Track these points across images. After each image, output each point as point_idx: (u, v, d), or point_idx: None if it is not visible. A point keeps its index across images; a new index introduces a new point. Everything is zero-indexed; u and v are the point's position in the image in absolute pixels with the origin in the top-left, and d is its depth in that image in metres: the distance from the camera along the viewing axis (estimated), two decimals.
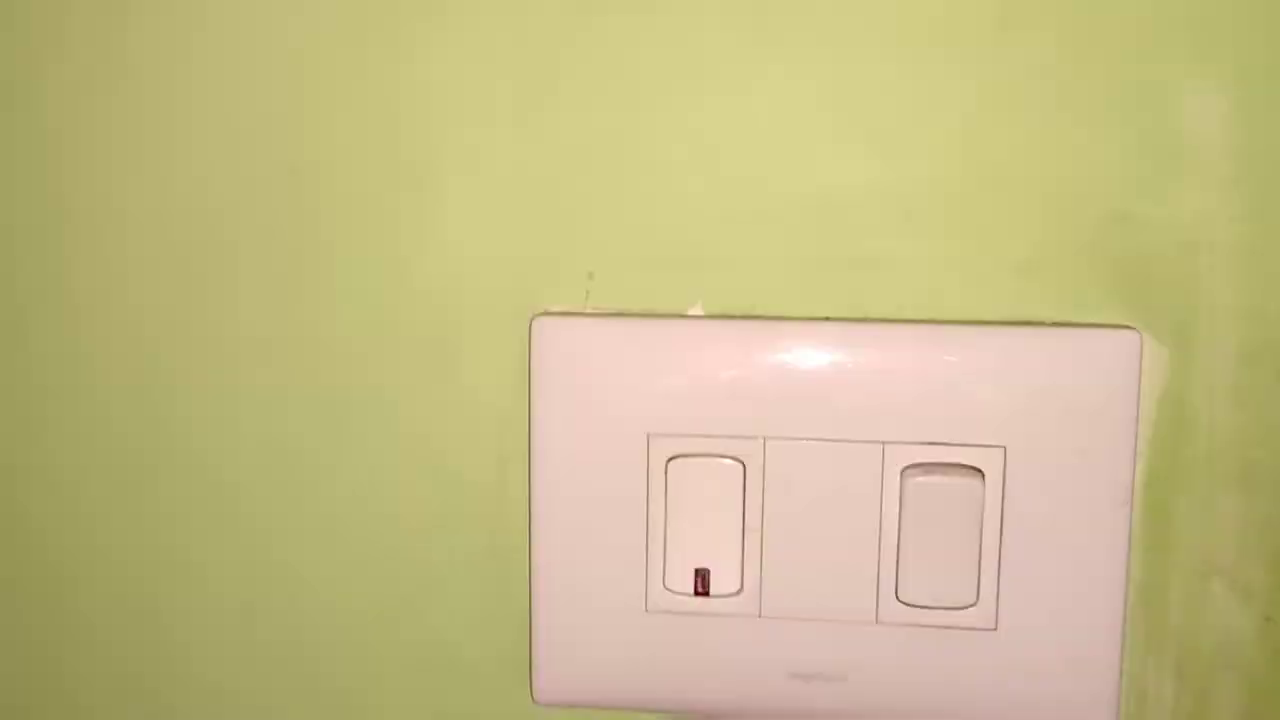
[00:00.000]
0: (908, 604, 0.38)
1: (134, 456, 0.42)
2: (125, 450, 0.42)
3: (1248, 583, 0.38)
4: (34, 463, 0.42)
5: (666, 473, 0.39)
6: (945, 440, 0.37)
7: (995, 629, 0.38)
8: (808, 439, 0.38)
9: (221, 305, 0.41)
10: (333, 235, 0.40)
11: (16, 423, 0.42)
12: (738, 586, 0.39)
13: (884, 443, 0.38)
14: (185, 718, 0.43)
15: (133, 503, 0.42)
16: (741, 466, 0.38)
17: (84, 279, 0.41)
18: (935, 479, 0.37)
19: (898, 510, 0.38)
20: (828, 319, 0.38)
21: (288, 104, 0.39)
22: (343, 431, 0.41)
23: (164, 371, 0.41)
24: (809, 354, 0.38)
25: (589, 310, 0.39)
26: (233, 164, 0.40)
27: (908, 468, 0.38)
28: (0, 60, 0.40)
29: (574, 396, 0.39)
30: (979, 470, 0.37)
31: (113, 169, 0.40)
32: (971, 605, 0.38)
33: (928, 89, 0.37)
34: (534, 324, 0.39)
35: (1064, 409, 0.37)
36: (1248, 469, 0.37)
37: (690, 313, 0.39)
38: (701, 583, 0.39)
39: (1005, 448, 0.37)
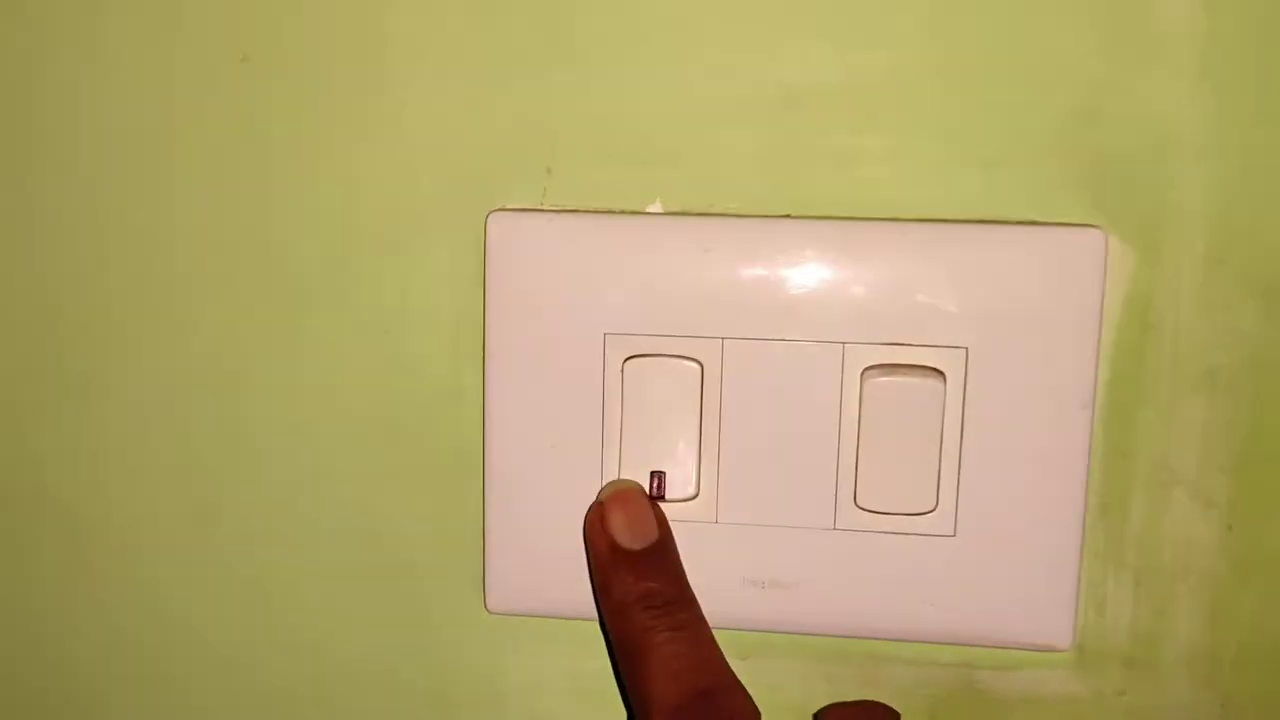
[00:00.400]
0: (866, 509, 0.38)
1: (92, 349, 0.41)
2: (85, 349, 0.41)
3: (1210, 491, 0.38)
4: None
5: (623, 373, 0.38)
6: (906, 341, 0.37)
7: (954, 535, 0.38)
8: (767, 339, 0.37)
9: (177, 204, 0.40)
10: (286, 132, 0.39)
11: None
12: (694, 490, 0.38)
13: (844, 343, 0.37)
14: (138, 631, 0.43)
15: (88, 403, 0.41)
16: (699, 367, 0.38)
17: (51, 185, 0.40)
18: (896, 379, 0.37)
19: (857, 413, 0.37)
20: (788, 216, 0.37)
21: None
22: (298, 330, 0.40)
23: (117, 266, 0.40)
24: (769, 252, 0.37)
25: (546, 207, 0.38)
26: (184, 57, 0.39)
27: (868, 368, 0.37)
28: None
29: (530, 295, 0.38)
30: (940, 372, 0.37)
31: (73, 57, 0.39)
32: (930, 511, 0.38)
33: None
34: (490, 220, 0.38)
35: (1027, 310, 0.36)
36: (1212, 374, 0.37)
37: (649, 210, 0.38)
38: (658, 486, 0.38)
39: (967, 349, 0.37)
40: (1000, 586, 0.38)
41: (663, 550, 0.38)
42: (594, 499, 0.39)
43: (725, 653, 0.40)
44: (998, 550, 0.38)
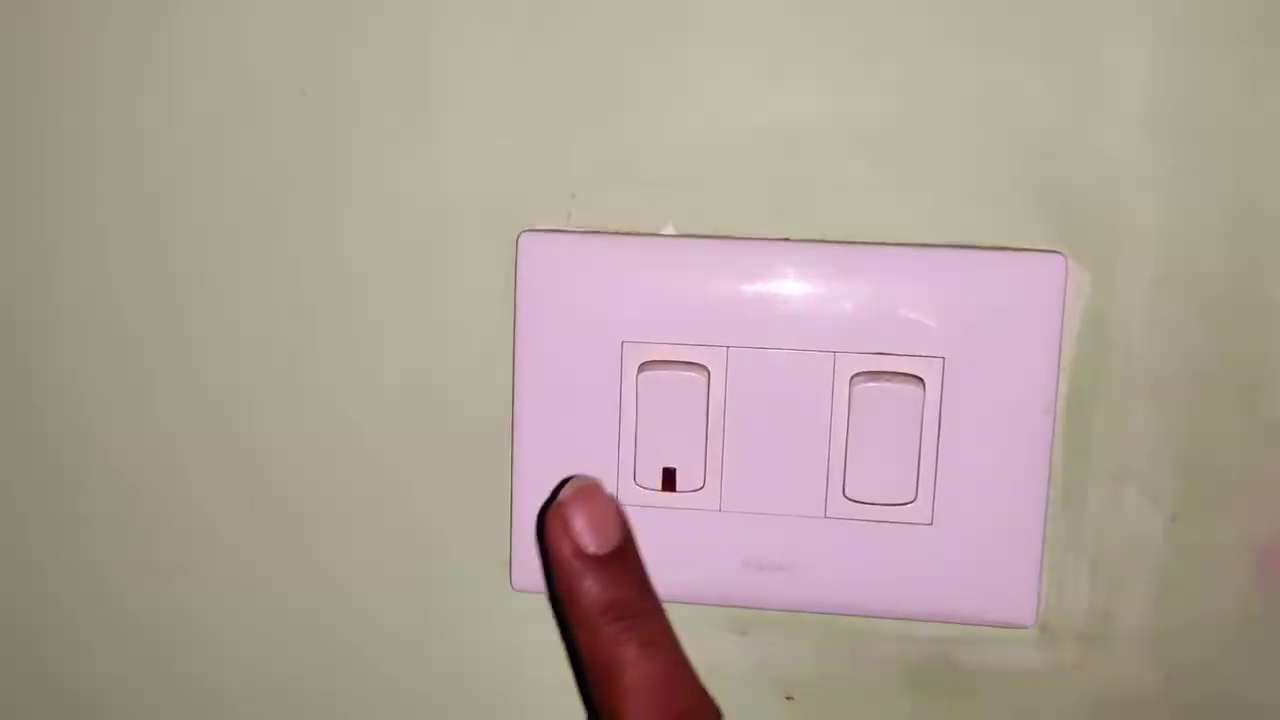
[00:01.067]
0: (853, 500, 0.42)
1: (142, 358, 0.45)
2: (136, 347, 0.45)
3: (1157, 486, 0.42)
4: (38, 342, 0.46)
5: (638, 378, 0.42)
6: (890, 351, 0.41)
7: (931, 524, 0.42)
8: (767, 348, 0.41)
9: (243, 222, 0.44)
10: (339, 159, 0.43)
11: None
12: (701, 483, 0.42)
13: (835, 352, 0.41)
14: (176, 594, 0.47)
15: (137, 406, 0.46)
16: (706, 373, 0.42)
17: (68, 185, 0.44)
18: (880, 385, 0.41)
19: (846, 414, 0.41)
20: (787, 239, 0.42)
21: (293, 24, 0.42)
22: (347, 335, 0.44)
23: (186, 277, 0.45)
24: (769, 271, 0.41)
25: (571, 228, 0.43)
26: (236, 80, 0.43)
27: (856, 375, 0.41)
28: None
29: (555, 307, 0.42)
30: (920, 378, 0.41)
31: (109, 84, 0.44)
32: (911, 502, 0.42)
33: (880, 31, 0.40)
34: (520, 240, 0.42)
35: (996, 324, 0.41)
36: (1159, 384, 0.41)
37: (663, 232, 0.42)
38: (668, 479, 0.43)
39: (944, 358, 0.41)
40: (972, 570, 0.42)
41: (627, 555, 0.37)
42: (554, 500, 0.37)
43: (726, 628, 0.44)
44: (970, 537, 0.42)
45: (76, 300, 0.45)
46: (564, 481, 0.41)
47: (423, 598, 0.46)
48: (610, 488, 0.43)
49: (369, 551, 0.46)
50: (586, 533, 0.36)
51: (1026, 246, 0.41)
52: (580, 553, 0.36)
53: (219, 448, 0.46)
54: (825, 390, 0.41)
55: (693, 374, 0.42)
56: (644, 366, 0.42)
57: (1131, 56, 0.39)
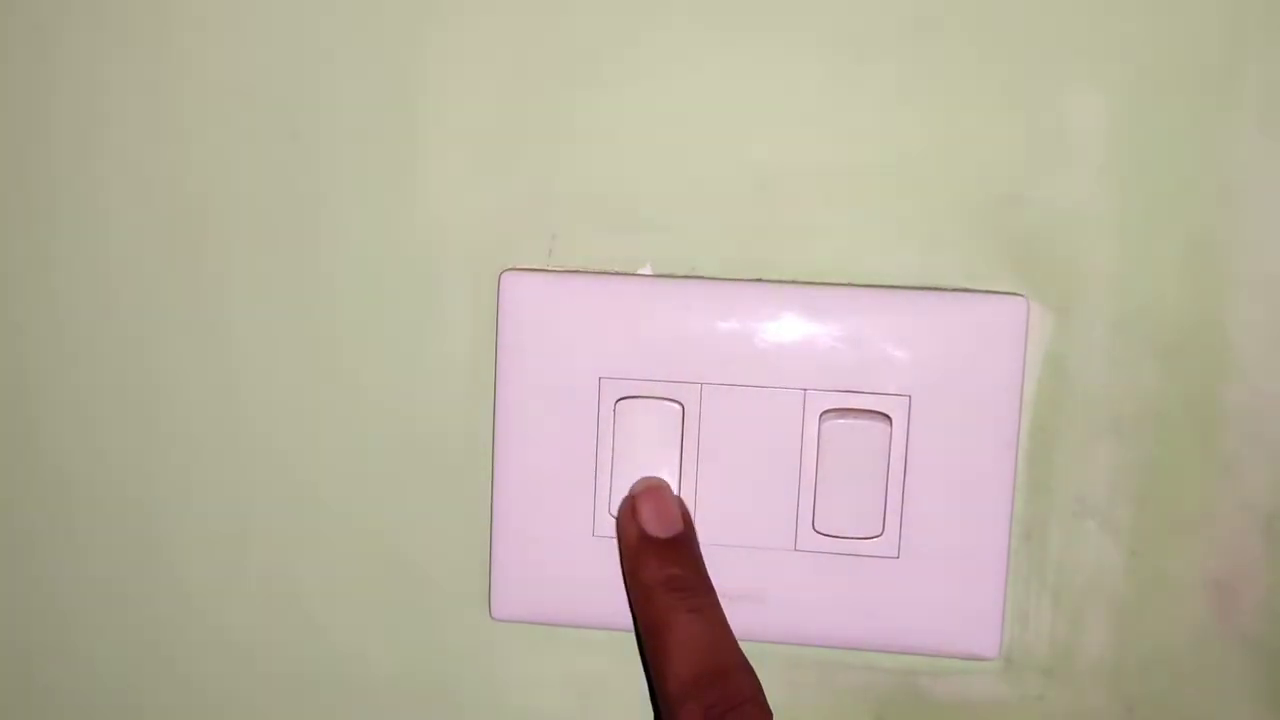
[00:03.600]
0: (822, 533, 0.43)
1: (123, 401, 0.46)
2: (117, 388, 0.46)
3: (1117, 521, 0.43)
4: (46, 396, 0.47)
5: (615, 413, 0.43)
6: (858, 389, 0.42)
7: (898, 557, 0.43)
8: (739, 385, 0.43)
9: (233, 256, 0.45)
10: (329, 199, 0.44)
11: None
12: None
13: (805, 389, 0.43)
14: (158, 631, 0.48)
15: (130, 427, 0.47)
16: (681, 408, 0.43)
17: (68, 238, 0.46)
18: (849, 422, 0.42)
19: (816, 450, 0.43)
20: (759, 280, 0.43)
21: (284, 70, 0.44)
22: (334, 368, 0.45)
23: (154, 313, 0.46)
24: (742, 311, 0.43)
25: (551, 268, 0.44)
26: (242, 133, 0.44)
27: (825, 412, 0.43)
28: None
29: (536, 343, 0.44)
30: (887, 416, 0.42)
31: (108, 131, 0.45)
32: (878, 536, 0.43)
33: (850, 82, 0.42)
34: (502, 279, 0.44)
35: (961, 364, 0.42)
36: (1117, 421, 0.43)
37: (640, 272, 0.44)
38: None
39: (910, 396, 0.42)
40: (937, 602, 0.43)
41: (686, 541, 0.42)
42: (626, 494, 0.43)
43: None
44: (935, 570, 0.43)
45: (64, 321, 0.47)
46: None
47: (404, 629, 0.47)
48: (587, 519, 0.44)
49: (349, 583, 0.47)
50: (651, 519, 0.41)
51: (990, 289, 0.42)
52: (645, 535, 0.41)
53: (199, 485, 0.47)
54: (795, 426, 0.43)
55: (669, 404, 0.43)
56: (621, 400, 0.43)
57: (1091, 107, 0.41)
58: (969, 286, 0.42)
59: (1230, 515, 0.42)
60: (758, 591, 0.44)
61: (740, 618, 0.44)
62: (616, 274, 0.44)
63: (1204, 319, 0.42)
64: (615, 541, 0.44)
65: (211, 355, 0.46)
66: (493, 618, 0.45)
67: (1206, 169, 0.41)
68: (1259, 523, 0.42)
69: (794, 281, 0.43)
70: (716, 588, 0.43)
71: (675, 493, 0.43)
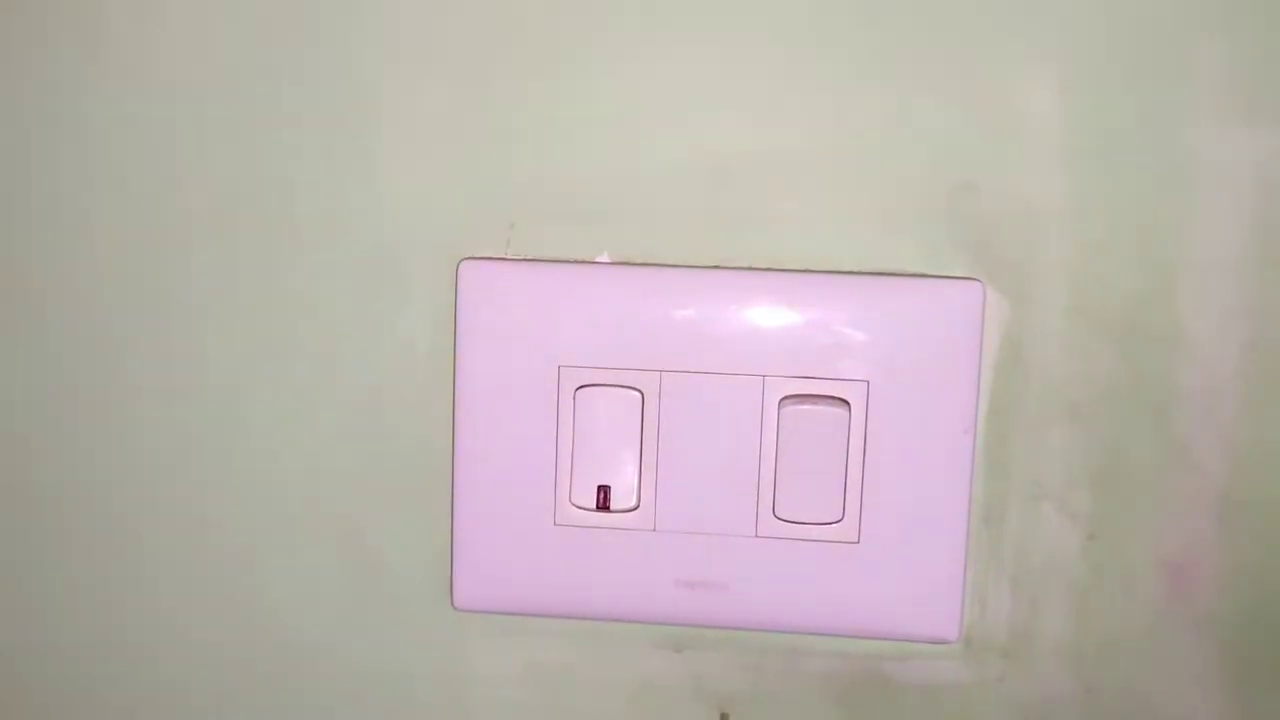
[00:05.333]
0: (783, 519, 0.43)
1: (78, 387, 0.46)
2: (72, 373, 0.46)
3: (1074, 505, 0.43)
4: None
5: (575, 401, 0.43)
6: (817, 375, 0.43)
7: (858, 542, 0.43)
8: (698, 372, 0.43)
9: (168, 250, 0.45)
10: (289, 188, 0.44)
11: None
12: (635, 502, 0.44)
13: (764, 376, 0.43)
14: (124, 618, 0.47)
15: (87, 416, 0.46)
16: (640, 395, 0.43)
17: (36, 229, 0.45)
18: (808, 408, 0.43)
19: (775, 436, 0.43)
20: (718, 267, 0.43)
21: (238, 58, 0.44)
22: (293, 357, 0.45)
23: (112, 300, 0.45)
24: (701, 297, 0.43)
25: (509, 256, 0.44)
26: (178, 112, 0.44)
27: (784, 398, 0.43)
28: None
29: (494, 332, 0.44)
30: (846, 401, 0.43)
31: (64, 122, 0.45)
32: (838, 521, 0.43)
33: (806, 68, 0.42)
34: (461, 267, 0.44)
35: (918, 349, 0.42)
36: (1074, 406, 0.43)
37: (598, 259, 0.44)
38: (603, 498, 0.44)
39: (868, 382, 0.42)
40: (898, 586, 0.43)
41: None
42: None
43: (661, 646, 0.45)
44: (895, 555, 0.43)
45: (22, 309, 0.46)
46: None
47: (365, 620, 0.46)
48: (549, 508, 0.44)
49: (309, 574, 0.46)
50: None
51: (947, 274, 0.42)
52: None
53: (158, 474, 0.46)
54: (755, 413, 0.43)
55: (628, 392, 0.43)
56: (580, 388, 0.43)
57: (1046, 91, 0.41)
58: (926, 272, 0.43)
59: (1185, 497, 0.43)
60: (719, 579, 0.44)
61: (703, 605, 0.44)
62: (575, 262, 0.44)
63: (1158, 303, 0.42)
64: (577, 530, 0.44)
65: (170, 345, 0.46)
66: (455, 608, 0.45)
67: (1160, 154, 0.41)
68: (1214, 504, 0.43)
69: (752, 268, 0.43)
70: (679, 575, 0.44)
71: (635, 480, 0.43)
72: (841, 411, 0.43)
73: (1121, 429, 0.43)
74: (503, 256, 0.44)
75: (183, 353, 0.46)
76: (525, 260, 0.44)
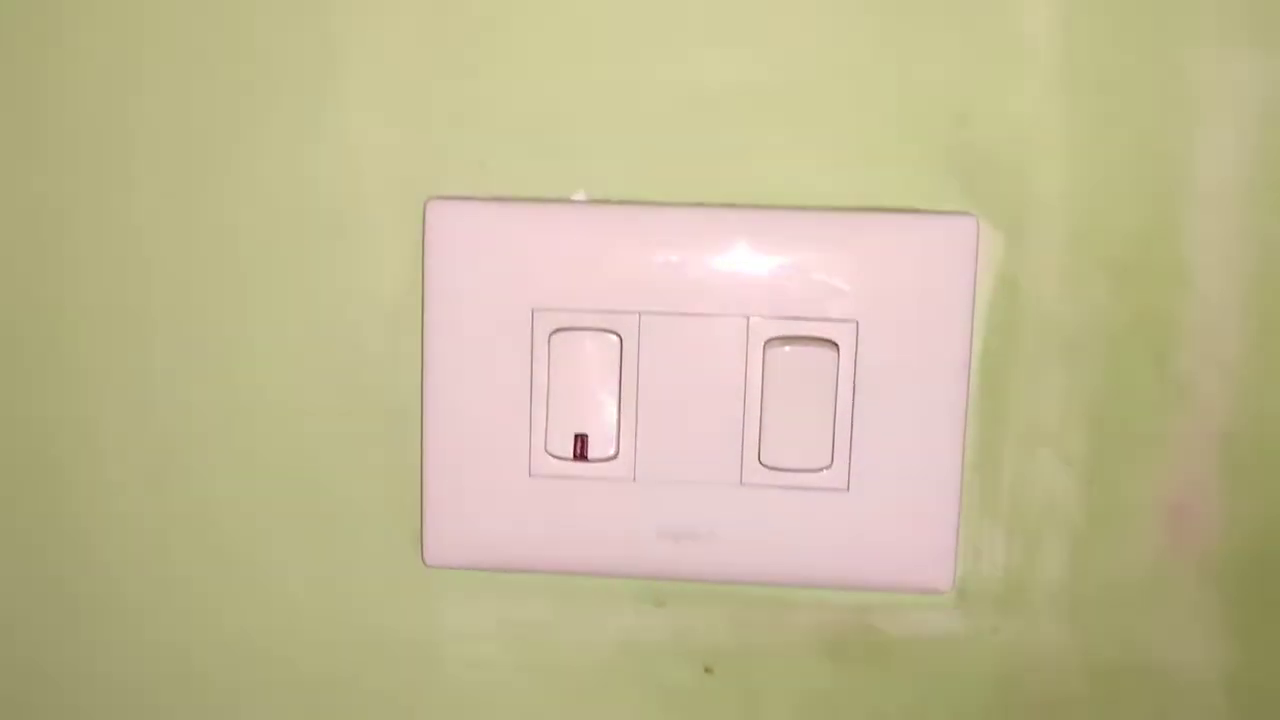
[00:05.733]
0: (769, 467, 0.42)
1: (38, 329, 0.44)
2: (35, 316, 0.44)
3: (1071, 448, 0.42)
4: None
5: (550, 344, 0.42)
6: (804, 315, 0.41)
7: (848, 489, 0.42)
8: (679, 314, 0.41)
9: (147, 193, 0.43)
10: (247, 129, 0.42)
11: None
12: (614, 451, 0.42)
13: (748, 317, 0.41)
14: (88, 580, 0.46)
15: (45, 370, 0.44)
16: (619, 339, 0.41)
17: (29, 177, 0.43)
18: (795, 349, 0.41)
19: (760, 380, 0.41)
20: (699, 204, 0.41)
21: (196, 3, 0.42)
22: (258, 305, 0.43)
23: (88, 248, 0.43)
24: (681, 237, 0.41)
25: (480, 196, 0.42)
26: (151, 59, 0.42)
27: (770, 340, 0.41)
28: None
29: (465, 275, 0.42)
30: (834, 343, 0.41)
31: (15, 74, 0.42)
32: (826, 467, 0.42)
33: None
34: (428, 207, 0.42)
35: (910, 287, 0.41)
36: (1072, 346, 0.41)
37: (573, 198, 0.42)
38: (581, 447, 0.42)
39: (857, 322, 0.41)
40: (889, 535, 0.42)
41: None
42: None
43: (642, 601, 0.44)
44: (886, 503, 0.42)
45: None
46: None
47: (333, 573, 0.45)
48: (523, 459, 0.42)
49: (278, 531, 0.45)
50: None
51: (938, 209, 0.41)
52: None
53: (123, 419, 0.45)
54: (739, 355, 0.41)
55: (605, 336, 0.41)
56: (556, 332, 0.41)
57: (1040, 18, 0.40)
58: (917, 206, 0.41)
59: (1185, 437, 0.41)
60: (704, 529, 0.42)
61: (687, 558, 0.43)
62: (549, 201, 0.42)
63: (1156, 234, 0.40)
64: (553, 481, 0.42)
65: (130, 295, 0.44)
66: (426, 564, 0.44)
67: (1156, 81, 0.40)
68: (1215, 444, 0.41)
69: (734, 205, 0.41)
70: (661, 526, 0.42)
71: (614, 427, 0.41)
72: (829, 353, 0.41)
73: (1120, 367, 0.41)
74: (473, 196, 0.42)
75: (143, 306, 0.44)
76: (497, 199, 0.42)
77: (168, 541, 0.45)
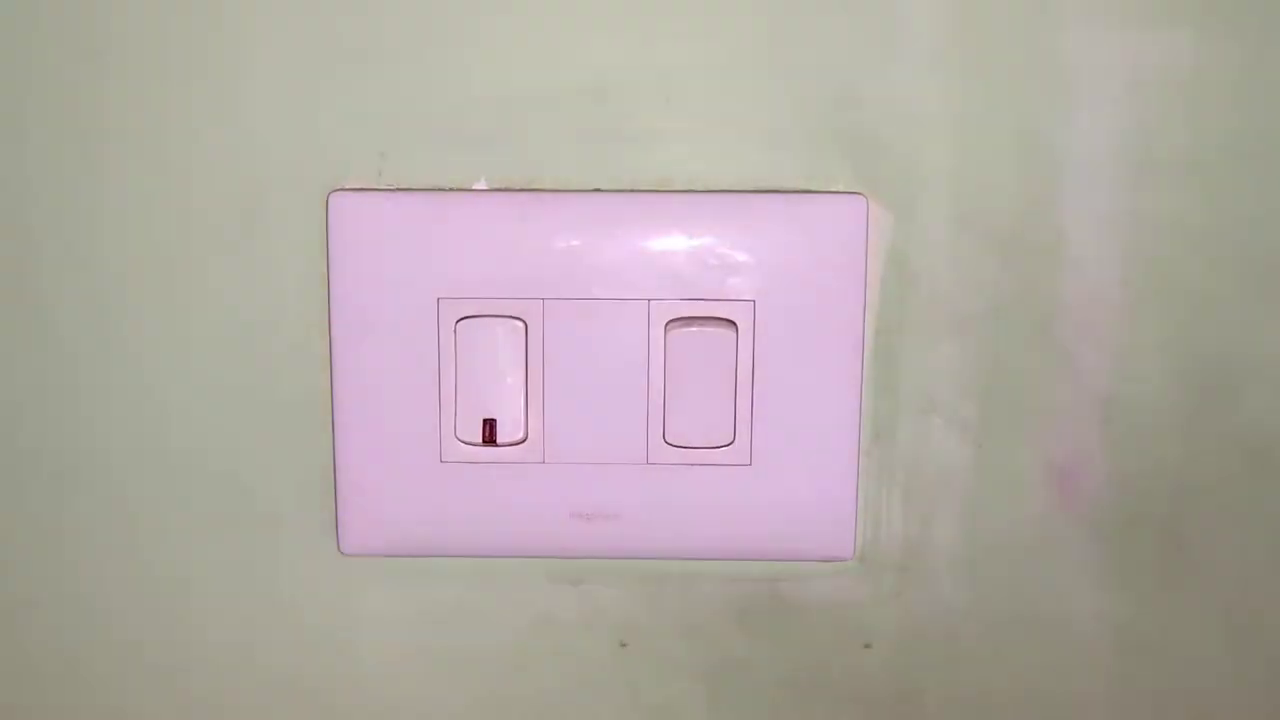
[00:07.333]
0: (674, 445, 0.43)
1: None
2: None
3: (963, 417, 0.44)
4: None
5: (456, 333, 0.42)
6: (702, 296, 0.42)
7: (750, 464, 0.43)
8: (582, 299, 0.42)
9: (27, 182, 0.43)
10: (142, 122, 0.42)
11: None
12: (523, 435, 0.43)
13: (649, 299, 0.42)
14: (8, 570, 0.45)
15: None
16: (524, 325, 0.42)
17: None
18: (694, 330, 0.42)
19: (663, 360, 0.42)
20: (598, 190, 0.42)
21: None
22: (162, 302, 0.43)
23: None
24: (582, 222, 0.42)
25: (382, 187, 0.42)
26: (36, 48, 0.42)
27: (670, 321, 0.42)
28: None
29: (369, 265, 0.42)
30: (732, 322, 0.42)
31: None
32: (729, 444, 0.43)
33: None
34: (330, 199, 0.42)
35: (803, 266, 0.42)
36: (961, 319, 0.43)
37: (475, 187, 0.42)
38: (489, 432, 0.43)
39: (754, 301, 0.42)
40: (792, 507, 0.43)
41: None
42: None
43: (557, 581, 0.45)
44: (788, 476, 0.43)
45: None
46: None
47: (251, 566, 0.45)
48: (434, 445, 0.43)
49: (191, 520, 0.45)
50: None
51: (829, 189, 0.42)
52: None
53: (28, 418, 0.44)
54: (641, 338, 0.42)
55: (510, 323, 0.42)
56: (461, 320, 0.42)
57: (924, 2, 0.41)
58: (809, 188, 0.42)
59: (1070, 404, 0.43)
60: (612, 509, 0.43)
61: (598, 537, 0.43)
62: (450, 190, 0.42)
63: (1039, 212, 0.42)
64: (464, 466, 0.43)
65: (32, 289, 0.43)
66: (342, 553, 0.44)
67: (1037, 60, 0.41)
68: (1097, 410, 0.43)
69: (632, 190, 0.42)
70: (571, 507, 0.43)
71: (522, 411, 0.42)
72: (729, 332, 0.42)
73: (1007, 338, 0.43)
74: (374, 187, 0.42)
75: (45, 297, 0.43)
76: (398, 190, 0.42)
77: (76, 533, 0.45)
